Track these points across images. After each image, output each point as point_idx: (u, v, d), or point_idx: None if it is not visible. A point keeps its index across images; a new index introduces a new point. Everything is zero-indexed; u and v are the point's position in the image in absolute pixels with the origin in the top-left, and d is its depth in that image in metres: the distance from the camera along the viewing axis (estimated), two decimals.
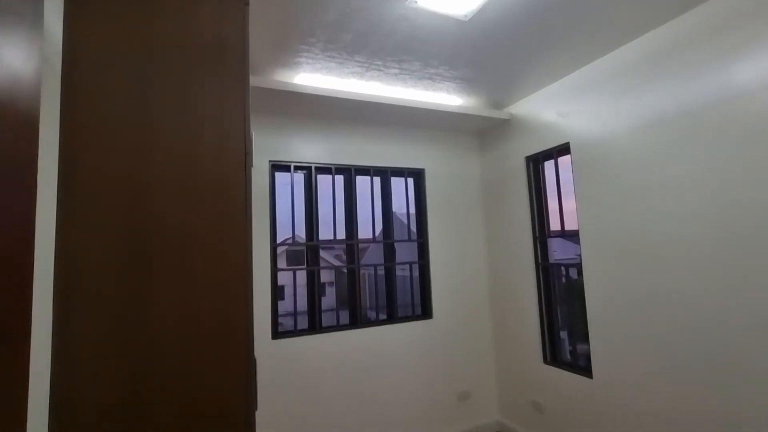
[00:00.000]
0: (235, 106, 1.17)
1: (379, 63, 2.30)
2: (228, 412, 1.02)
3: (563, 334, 2.83)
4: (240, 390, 1.04)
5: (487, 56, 2.25)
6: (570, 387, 2.54)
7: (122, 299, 0.95)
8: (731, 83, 1.73)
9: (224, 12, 1.16)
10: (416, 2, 1.74)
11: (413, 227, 3.24)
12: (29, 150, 0.66)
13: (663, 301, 2.00)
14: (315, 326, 2.72)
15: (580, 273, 2.50)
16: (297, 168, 2.80)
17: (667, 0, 1.81)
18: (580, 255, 2.48)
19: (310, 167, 2.82)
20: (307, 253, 2.83)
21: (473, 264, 3.28)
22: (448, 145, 3.31)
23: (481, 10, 1.81)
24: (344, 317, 2.90)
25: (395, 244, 3.12)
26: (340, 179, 2.98)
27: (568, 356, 2.78)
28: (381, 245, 3.14)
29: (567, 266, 2.76)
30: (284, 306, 2.70)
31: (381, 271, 3.10)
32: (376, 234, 3.18)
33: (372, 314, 3.06)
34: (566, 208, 2.70)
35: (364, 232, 3.00)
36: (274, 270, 2.63)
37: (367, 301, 3.39)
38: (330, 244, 3.02)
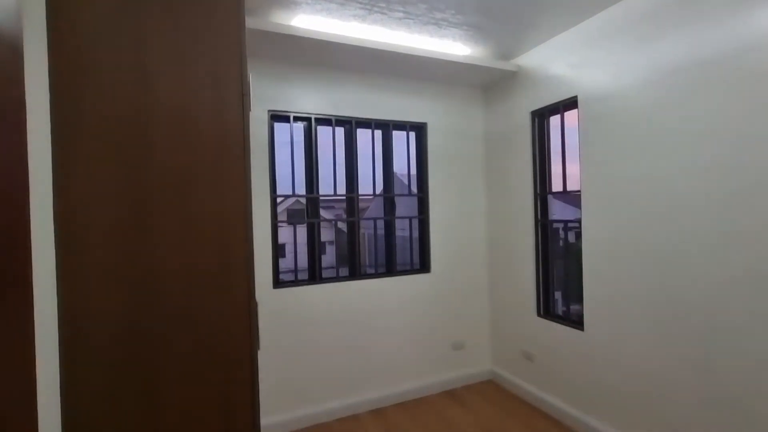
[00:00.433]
0: (230, 45, 1.11)
1: (383, 5, 2.17)
2: (233, 347, 1.06)
3: (557, 295, 2.90)
4: (244, 327, 1.07)
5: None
6: (561, 338, 2.64)
7: (125, 237, 0.96)
8: (753, 31, 1.64)
9: None
10: None
11: (414, 187, 3.21)
12: (15, 88, 0.63)
13: (660, 257, 2.03)
14: (315, 277, 2.78)
15: (578, 237, 2.52)
16: (296, 119, 2.73)
17: None
18: (579, 218, 2.48)
19: (310, 118, 2.75)
20: (307, 206, 2.83)
21: (473, 219, 3.30)
22: (452, 99, 3.21)
23: None
24: (344, 273, 2.94)
25: (395, 202, 3.12)
26: (340, 132, 2.92)
27: (561, 314, 2.87)
28: (381, 204, 3.14)
29: (567, 226, 2.77)
30: (285, 264, 2.74)
31: (381, 231, 3.12)
32: (377, 192, 3.16)
33: (371, 271, 3.12)
34: (569, 167, 2.67)
35: (364, 189, 2.98)
36: (275, 222, 2.64)
37: (366, 259, 3.43)
38: (330, 198, 3.01)
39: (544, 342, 2.78)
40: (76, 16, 0.93)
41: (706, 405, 1.83)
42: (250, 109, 1.17)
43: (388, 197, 3.09)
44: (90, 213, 0.93)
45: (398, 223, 3.15)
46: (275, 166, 2.67)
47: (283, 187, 2.73)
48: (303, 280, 2.76)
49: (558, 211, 2.94)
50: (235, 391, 1.04)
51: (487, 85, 3.26)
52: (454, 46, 2.71)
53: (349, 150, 2.94)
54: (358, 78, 2.86)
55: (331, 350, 2.76)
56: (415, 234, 3.22)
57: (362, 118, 2.89)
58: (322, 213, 2.94)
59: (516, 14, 2.30)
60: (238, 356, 1.06)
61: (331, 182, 2.85)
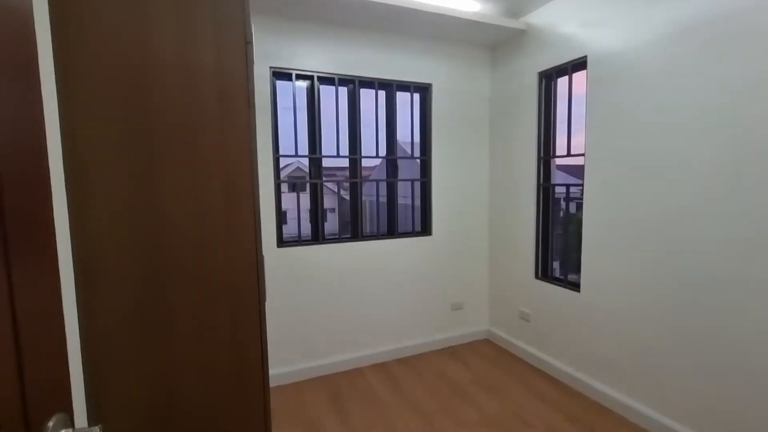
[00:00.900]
0: None
1: None
2: (242, 291, 1.11)
3: (555, 265, 2.94)
4: (252, 274, 1.11)
5: None
6: (557, 299, 2.72)
7: (135, 184, 0.98)
8: None
9: None
10: None
11: (417, 154, 3.20)
12: (27, 44, 0.62)
13: (660, 220, 2.05)
14: (318, 237, 2.83)
15: (579, 208, 2.53)
16: (299, 77, 2.68)
17: None
18: (581, 183, 2.48)
19: (313, 77, 2.70)
20: (310, 167, 2.84)
21: (475, 183, 3.30)
22: (458, 59, 3.13)
23: None
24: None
25: (398, 165, 3.11)
26: (343, 93, 2.88)
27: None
28: (384, 169, 3.14)
29: (569, 193, 2.77)
30: (288, 230, 2.77)
31: (383, 198, 3.13)
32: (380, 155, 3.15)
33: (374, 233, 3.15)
34: (573, 136, 2.64)
35: (367, 153, 2.97)
36: (277, 182, 2.66)
37: (368, 227, 3.44)
38: (332, 167, 3.00)
39: (541, 303, 2.86)
40: None
41: (699, 370, 1.91)
42: (253, 61, 1.16)
43: (390, 159, 3.09)
44: (97, 160, 0.95)
45: (400, 191, 3.15)
46: (278, 126, 2.65)
47: (285, 149, 2.72)
48: (306, 240, 2.82)
49: (560, 180, 2.94)
50: (245, 327, 1.10)
51: (495, 44, 3.17)
52: (463, 2, 2.61)
53: (352, 111, 2.90)
54: (363, 35, 2.78)
55: (334, 307, 2.85)
56: (417, 203, 3.23)
57: (366, 78, 2.84)
58: (324, 182, 2.95)
59: None
60: (246, 301, 1.11)
61: (334, 145, 2.84)
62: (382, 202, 3.14)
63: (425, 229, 3.20)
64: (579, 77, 2.56)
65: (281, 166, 2.76)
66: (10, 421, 0.50)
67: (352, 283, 2.90)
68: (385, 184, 3.13)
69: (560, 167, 2.89)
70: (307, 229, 2.86)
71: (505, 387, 2.62)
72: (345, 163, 2.97)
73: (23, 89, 0.59)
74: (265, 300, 1.21)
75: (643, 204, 2.13)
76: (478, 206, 3.34)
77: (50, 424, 0.56)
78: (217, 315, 1.07)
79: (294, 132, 2.72)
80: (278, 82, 2.64)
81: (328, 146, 2.83)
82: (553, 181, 2.85)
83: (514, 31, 2.88)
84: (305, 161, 2.91)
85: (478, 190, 3.32)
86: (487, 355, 3.12)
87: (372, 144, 2.99)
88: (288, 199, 2.82)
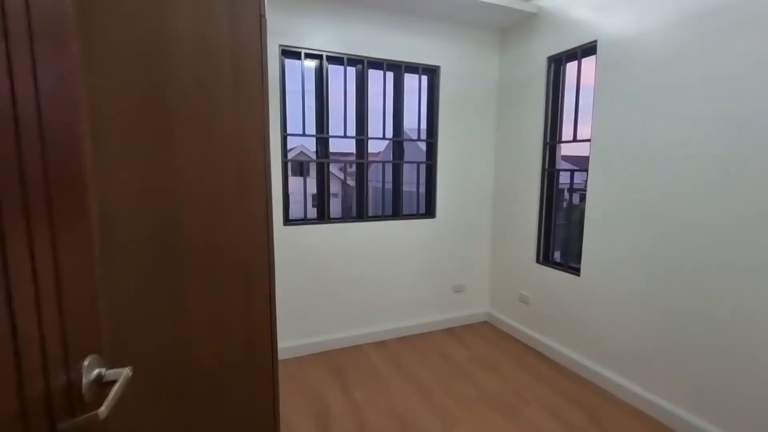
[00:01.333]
0: None
1: None
2: (253, 261, 1.15)
3: (557, 255, 2.98)
4: (262, 244, 1.15)
5: None
6: (557, 283, 2.76)
7: (150, 149, 1.02)
8: None
9: None
10: None
11: (423, 146, 3.21)
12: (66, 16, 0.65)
13: (662, 206, 2.07)
14: (324, 216, 2.87)
15: (582, 199, 2.55)
16: (308, 56, 2.68)
17: None
18: (586, 168, 2.49)
19: (321, 56, 2.70)
20: (317, 146, 2.86)
21: (480, 166, 3.32)
22: (467, 42, 3.11)
23: None
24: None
25: (404, 149, 3.12)
26: (351, 73, 2.87)
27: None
28: (390, 154, 3.15)
29: (572, 181, 2.79)
30: (293, 212, 2.81)
31: (389, 184, 3.15)
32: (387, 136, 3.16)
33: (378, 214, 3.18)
34: (580, 126, 2.63)
35: (374, 135, 2.98)
36: (284, 160, 2.68)
37: (372, 210, 3.46)
38: (338, 152, 3.01)
39: (541, 286, 2.91)
40: None
41: (695, 353, 1.96)
42: (266, 33, 1.18)
43: (397, 142, 3.10)
44: (116, 129, 0.98)
45: (405, 177, 3.17)
46: (286, 105, 2.66)
47: (293, 129, 2.74)
48: (312, 219, 2.86)
49: (564, 173, 2.95)
50: (254, 298, 1.15)
51: (505, 27, 3.14)
52: None
53: (360, 92, 2.91)
54: (372, 15, 2.77)
55: (338, 286, 2.91)
56: (422, 190, 3.26)
57: (374, 58, 2.83)
58: (330, 168, 2.97)
59: None
60: (257, 268, 1.16)
61: (341, 127, 2.85)
62: (387, 188, 3.17)
63: (429, 212, 3.24)
64: (587, 64, 2.55)
65: (288, 146, 2.78)
66: (52, 359, 0.55)
67: (356, 263, 2.95)
68: (390, 168, 3.15)
69: (565, 158, 2.90)
70: (311, 213, 2.90)
71: (504, 366, 2.69)
72: (351, 149, 2.99)
73: (63, 60, 0.62)
74: (274, 268, 1.26)
75: (646, 190, 2.15)
76: (483, 189, 3.36)
77: (85, 363, 0.61)
78: (229, 289, 1.12)
79: (302, 111, 2.73)
80: (287, 61, 2.65)
81: (335, 128, 2.84)
82: (557, 166, 2.86)
83: (525, 14, 2.86)
84: (310, 146, 2.93)
85: (482, 174, 3.34)
86: (486, 336, 3.19)
87: (379, 128, 3.00)
88: (293, 183, 2.84)
